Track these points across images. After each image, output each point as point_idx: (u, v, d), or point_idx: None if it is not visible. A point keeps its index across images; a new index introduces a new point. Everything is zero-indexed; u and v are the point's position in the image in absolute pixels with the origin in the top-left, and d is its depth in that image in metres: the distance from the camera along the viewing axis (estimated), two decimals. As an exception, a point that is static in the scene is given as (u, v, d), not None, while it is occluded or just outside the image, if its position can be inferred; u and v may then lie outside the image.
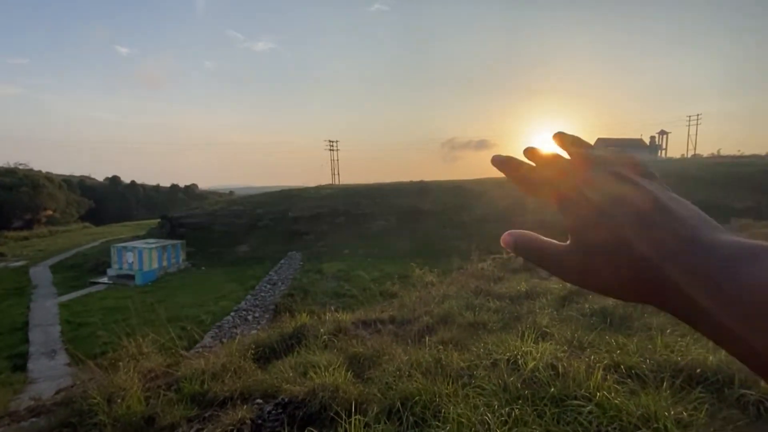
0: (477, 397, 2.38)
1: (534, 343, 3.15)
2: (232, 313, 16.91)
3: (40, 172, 64.66)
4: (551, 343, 3.12)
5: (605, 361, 2.64)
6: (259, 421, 2.86)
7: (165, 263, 26.65)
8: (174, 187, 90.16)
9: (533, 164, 0.36)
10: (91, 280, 24.85)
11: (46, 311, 18.81)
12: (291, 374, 3.53)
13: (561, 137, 0.36)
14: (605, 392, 2.16)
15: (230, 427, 2.79)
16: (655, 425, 1.81)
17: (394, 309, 6.77)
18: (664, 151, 61.88)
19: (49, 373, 12.34)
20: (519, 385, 2.47)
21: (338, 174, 66.74)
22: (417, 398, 2.46)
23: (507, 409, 2.19)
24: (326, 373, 3.15)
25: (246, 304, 18.25)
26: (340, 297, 15.21)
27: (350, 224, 32.86)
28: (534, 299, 5.13)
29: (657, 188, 0.29)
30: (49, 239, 44.78)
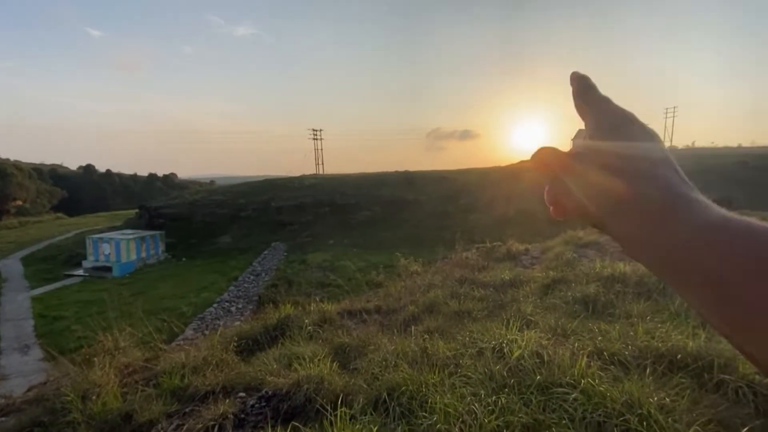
0: (463, 387, 2.37)
1: (519, 331, 3.17)
2: (215, 305, 16.65)
3: (8, 160, 61.70)
4: (536, 331, 3.14)
5: (589, 348, 2.67)
6: (242, 416, 2.80)
7: (144, 254, 25.96)
8: (152, 176, 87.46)
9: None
10: (66, 273, 24.03)
11: (17, 305, 18.10)
12: (275, 366, 3.47)
13: (577, 81, 0.38)
14: (590, 379, 2.18)
15: (212, 422, 2.71)
16: (639, 411, 1.83)
17: (379, 299, 6.75)
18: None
19: (22, 369, 11.92)
20: (505, 374, 2.47)
21: (322, 164, 65.91)
22: (404, 388, 2.44)
23: (493, 397, 2.18)
24: (311, 365, 3.10)
25: (229, 295, 17.98)
26: (325, 287, 15.13)
27: (335, 214, 32.65)
28: (518, 287, 5.17)
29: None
30: (19, 230, 42.93)
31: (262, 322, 5.04)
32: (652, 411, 1.82)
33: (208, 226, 32.40)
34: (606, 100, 0.36)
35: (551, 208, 0.37)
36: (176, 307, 15.75)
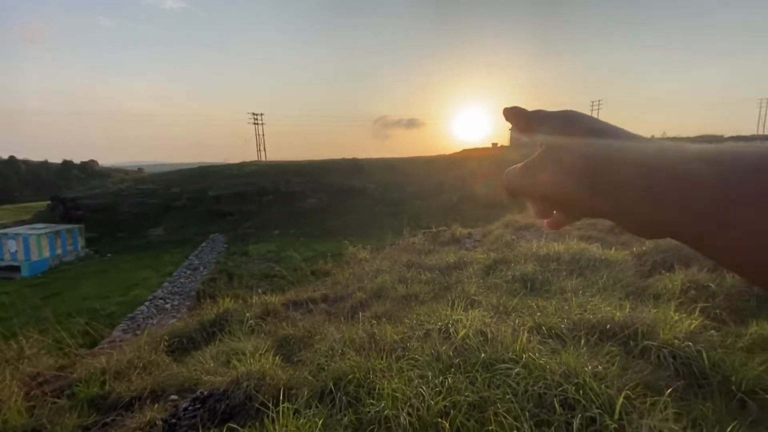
0: (411, 370, 2.34)
1: (464, 311, 3.22)
2: (147, 303, 15.34)
3: None
4: (479, 310, 3.21)
5: (528, 324, 2.77)
6: (173, 420, 2.54)
7: (59, 251, 23.14)
8: (67, 163, 77.79)
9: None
10: (-40, 276, 20.72)
11: None
12: (212, 364, 3.22)
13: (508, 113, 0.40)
14: (530, 354, 2.25)
15: (137, 431, 2.44)
16: (576, 381, 1.92)
17: (327, 287, 6.61)
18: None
19: None
20: (451, 353, 2.48)
21: (264, 150, 63.01)
22: (350, 377, 2.35)
23: (440, 378, 2.18)
24: (252, 360, 2.90)
25: (163, 291, 16.68)
26: (270, 279, 14.57)
27: (280, 203, 31.53)
28: (462, 269, 5.31)
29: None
30: None
31: (198, 319, 4.68)
32: (587, 379, 1.91)
33: (136, 217, 29.68)
34: (538, 113, 0.37)
35: (544, 220, 0.38)
36: (102, 307, 14.31)
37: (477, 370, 2.21)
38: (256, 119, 63.27)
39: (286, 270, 13.13)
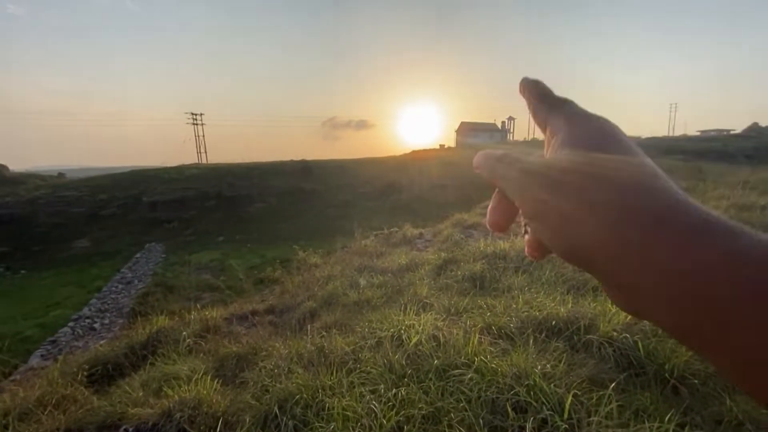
0: (362, 384, 2.22)
1: (416, 315, 3.17)
2: (71, 323, 13.73)
3: None
4: (431, 313, 3.17)
5: (479, 325, 2.77)
6: (90, 466, 2.20)
7: (-41, 270, 20.08)
8: (-32, 169, 67.90)
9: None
10: None
11: None
12: (141, 394, 2.86)
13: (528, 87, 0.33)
14: (482, 357, 2.23)
15: (43, 485, 2.07)
16: (527, 382, 1.92)
17: (275, 297, 6.29)
18: (511, 135, 72.76)
19: None
20: (404, 362, 2.40)
21: (205, 152, 59.48)
22: (297, 397, 2.18)
23: (393, 391, 2.08)
24: (187, 387, 2.61)
25: (90, 310, 15.00)
26: (213, 290, 13.69)
27: (224, 208, 29.90)
28: (414, 271, 5.29)
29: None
30: None
31: (127, 341, 4.20)
32: (537, 380, 1.92)
33: (56, 228, 26.58)
34: (571, 107, 0.30)
35: (528, 249, 0.30)
36: (15, 331, 12.58)
37: (430, 379, 2.15)
38: (195, 119, 59.59)
39: (231, 280, 12.43)
